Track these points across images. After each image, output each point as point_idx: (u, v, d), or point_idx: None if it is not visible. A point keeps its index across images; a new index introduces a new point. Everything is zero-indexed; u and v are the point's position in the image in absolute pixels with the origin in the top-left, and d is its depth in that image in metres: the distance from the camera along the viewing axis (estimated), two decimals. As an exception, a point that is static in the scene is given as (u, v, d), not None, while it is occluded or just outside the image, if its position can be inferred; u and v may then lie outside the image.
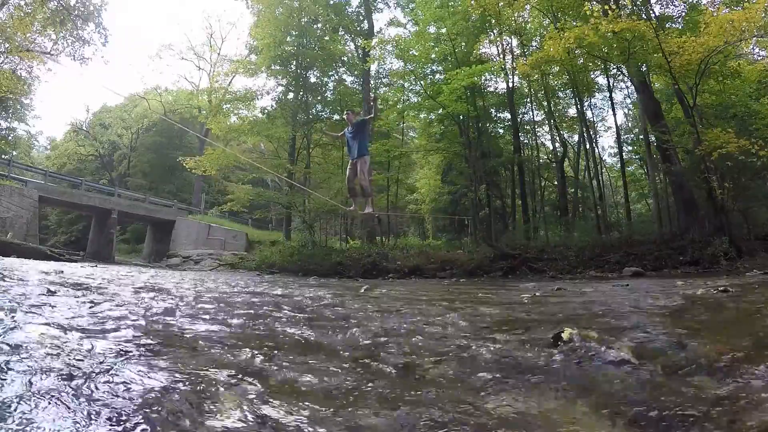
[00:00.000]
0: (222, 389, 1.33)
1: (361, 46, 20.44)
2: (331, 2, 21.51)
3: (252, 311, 3.13)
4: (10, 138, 31.44)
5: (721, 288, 4.06)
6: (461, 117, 17.10)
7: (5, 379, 1.25)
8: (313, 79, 21.77)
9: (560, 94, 18.82)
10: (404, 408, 1.24)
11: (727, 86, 13.27)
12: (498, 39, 17.09)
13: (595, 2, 12.51)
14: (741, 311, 2.80)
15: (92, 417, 1.07)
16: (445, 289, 6.67)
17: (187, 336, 2.12)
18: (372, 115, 7.29)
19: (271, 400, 1.27)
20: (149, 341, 1.93)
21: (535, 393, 1.35)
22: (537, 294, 4.82)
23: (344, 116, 7.12)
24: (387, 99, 20.89)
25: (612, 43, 12.12)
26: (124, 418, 1.08)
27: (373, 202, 7.01)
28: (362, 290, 5.86)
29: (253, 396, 1.30)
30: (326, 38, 21.52)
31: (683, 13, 14.97)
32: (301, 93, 21.45)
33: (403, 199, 24.43)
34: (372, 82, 21.40)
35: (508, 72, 16.79)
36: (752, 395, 1.22)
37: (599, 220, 15.49)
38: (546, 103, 17.66)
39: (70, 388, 1.23)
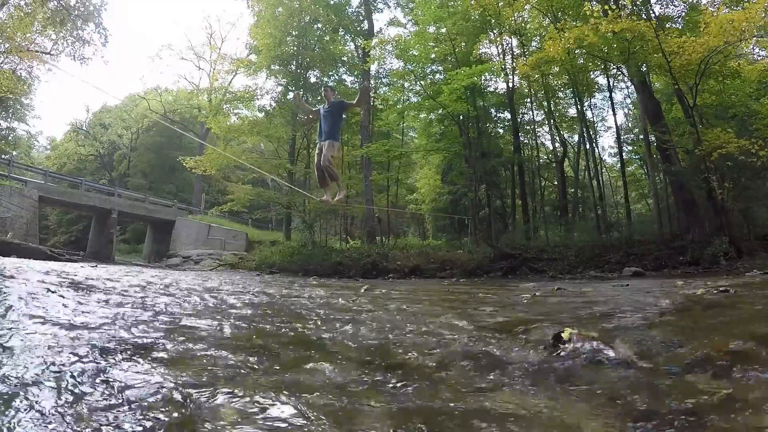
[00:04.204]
0: (228, 387, 1.33)
1: (361, 47, 20.44)
2: (331, 2, 21.51)
3: (253, 311, 3.13)
4: (10, 138, 31.44)
5: (722, 288, 4.06)
6: (461, 117, 17.10)
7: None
8: (313, 79, 21.77)
9: (560, 94, 18.83)
10: (405, 407, 1.24)
11: (727, 86, 13.27)
12: (498, 39, 17.09)
13: (595, 2, 12.51)
14: (741, 311, 2.80)
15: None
16: (445, 289, 6.67)
17: (186, 333, 2.12)
18: (354, 102, 6.67)
19: (276, 394, 1.27)
20: (143, 336, 1.93)
21: (536, 393, 1.35)
22: (537, 294, 4.82)
23: (322, 92, 6.45)
24: (387, 99, 20.90)
25: (612, 43, 12.12)
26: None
27: (340, 186, 6.31)
28: (362, 290, 5.85)
29: (260, 389, 1.30)
30: (326, 38, 21.53)
31: (683, 13, 14.98)
32: (301, 92, 21.42)
33: (403, 199, 24.42)
34: (372, 82, 21.39)
35: (508, 72, 16.80)
36: (753, 395, 1.22)
37: (599, 220, 15.50)
38: (546, 103, 17.67)
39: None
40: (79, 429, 1.03)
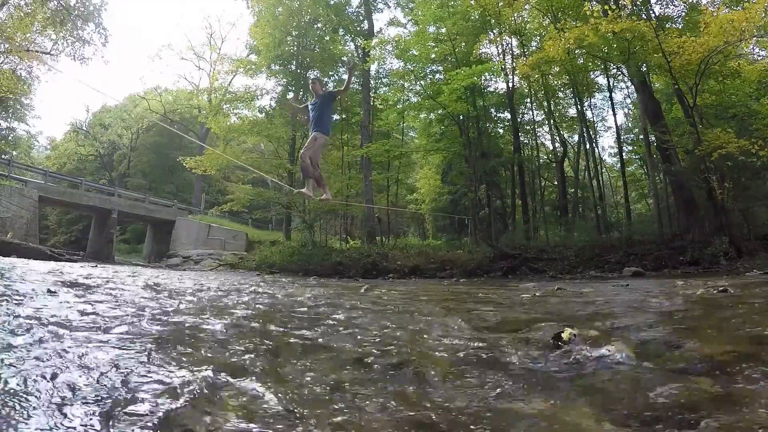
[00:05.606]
0: (231, 383, 1.33)
1: (361, 47, 20.45)
2: (332, 2, 21.53)
3: (252, 311, 3.13)
4: (10, 138, 31.46)
5: (721, 288, 4.06)
6: (461, 117, 17.11)
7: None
8: (313, 79, 21.77)
9: (560, 94, 18.84)
10: (405, 407, 1.24)
11: (727, 86, 13.28)
12: (498, 39, 17.10)
13: (595, 2, 12.52)
14: (740, 311, 2.80)
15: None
16: (445, 289, 6.67)
17: (191, 333, 2.12)
18: (343, 88, 6.60)
19: (275, 391, 1.27)
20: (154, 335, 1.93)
21: (536, 393, 1.35)
22: (537, 294, 4.82)
23: (310, 86, 6.34)
24: (387, 99, 20.90)
25: (612, 43, 12.14)
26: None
27: (325, 186, 6.20)
28: (362, 290, 5.85)
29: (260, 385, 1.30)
30: (326, 38, 21.54)
31: (683, 13, 15.00)
32: (301, 93, 21.45)
33: (403, 199, 24.42)
34: (372, 82, 21.41)
35: (508, 72, 16.81)
36: (753, 395, 1.22)
37: (599, 220, 15.51)
38: (546, 103, 17.68)
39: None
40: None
